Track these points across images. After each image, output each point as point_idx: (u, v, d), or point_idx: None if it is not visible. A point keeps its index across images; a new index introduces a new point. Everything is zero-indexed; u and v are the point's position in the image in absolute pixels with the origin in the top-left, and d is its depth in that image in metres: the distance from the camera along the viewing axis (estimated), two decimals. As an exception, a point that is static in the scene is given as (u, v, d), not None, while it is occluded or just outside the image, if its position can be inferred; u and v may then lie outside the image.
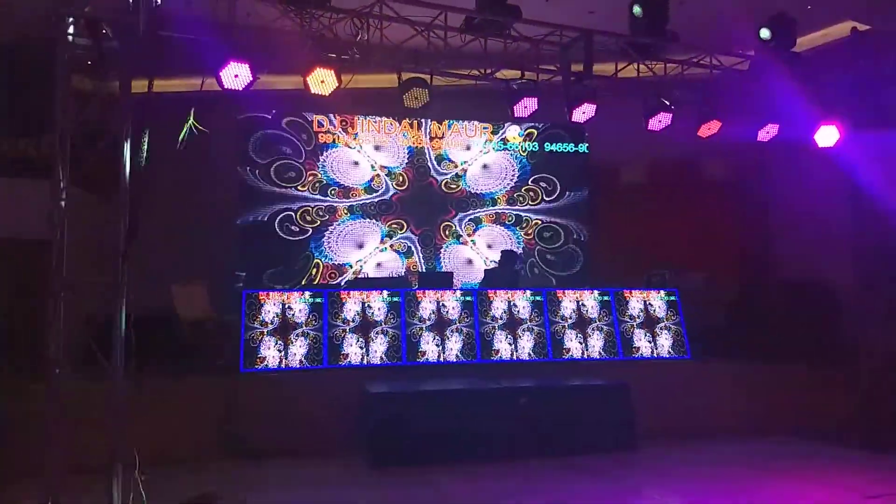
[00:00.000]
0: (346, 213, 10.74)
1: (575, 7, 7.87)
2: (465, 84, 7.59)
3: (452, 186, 11.16)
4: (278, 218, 10.39)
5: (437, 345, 7.69)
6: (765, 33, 7.22)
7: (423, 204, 11.02)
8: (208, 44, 5.79)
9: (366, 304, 7.67)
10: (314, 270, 10.46)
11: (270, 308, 7.39)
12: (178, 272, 8.55)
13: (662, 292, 8.61)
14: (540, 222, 11.40)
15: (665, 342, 8.32)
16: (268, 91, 8.11)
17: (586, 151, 11.52)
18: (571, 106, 7.40)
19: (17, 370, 5.82)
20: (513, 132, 11.40)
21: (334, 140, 10.78)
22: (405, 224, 10.93)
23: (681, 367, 8.18)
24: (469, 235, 11.16)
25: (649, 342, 8.27)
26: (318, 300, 7.57)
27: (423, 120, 11.02)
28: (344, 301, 7.64)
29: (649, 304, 8.48)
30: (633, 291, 8.52)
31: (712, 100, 7.83)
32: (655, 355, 8.24)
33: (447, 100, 7.69)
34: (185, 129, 6.98)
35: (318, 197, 10.62)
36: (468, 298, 8.02)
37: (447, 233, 11.08)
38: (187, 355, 7.40)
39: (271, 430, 6.75)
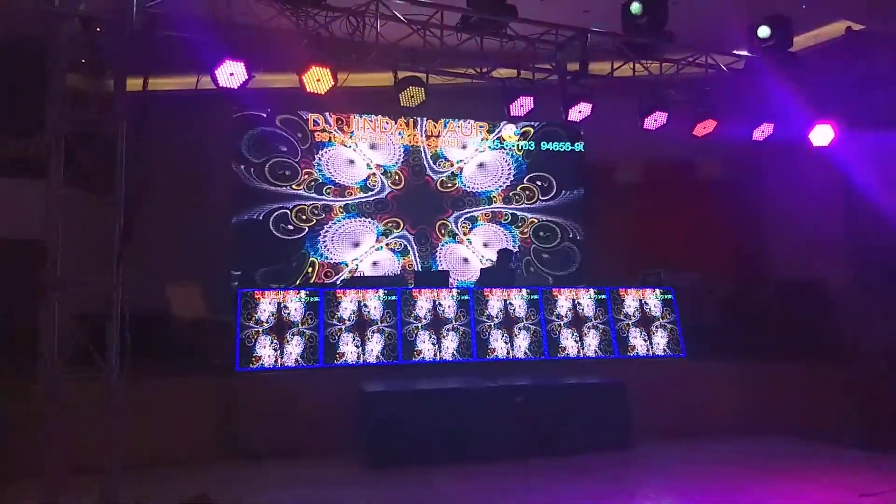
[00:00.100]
0: (342, 212, 10.72)
1: (570, 6, 7.87)
2: (462, 83, 7.59)
3: (448, 185, 11.16)
4: (273, 216, 10.37)
5: (433, 344, 7.69)
6: (764, 31, 7.23)
7: (419, 203, 11.01)
8: (204, 42, 5.77)
9: (362, 303, 7.66)
10: (310, 269, 10.45)
11: (266, 307, 7.37)
12: (174, 271, 8.54)
13: (658, 291, 8.62)
14: (536, 221, 11.41)
15: (661, 341, 8.34)
16: (263, 89, 8.10)
17: (582, 150, 11.53)
18: (567, 105, 7.41)
19: (17, 370, 5.81)
20: (508, 131, 11.40)
21: (330, 139, 10.76)
22: (401, 223, 10.92)
23: (676, 365, 8.19)
24: (465, 234, 11.16)
25: (645, 341, 8.29)
26: (314, 299, 7.56)
27: (418, 118, 11.01)
28: (340, 300, 7.63)
29: (645, 302, 8.49)
30: (628, 290, 8.54)
31: (707, 99, 7.85)
32: (651, 354, 8.26)
33: (443, 98, 7.69)
34: None
35: (314, 195, 10.60)
36: (464, 297, 8.02)
37: (443, 231, 11.07)
38: (183, 355, 7.40)
39: (267, 430, 6.74)
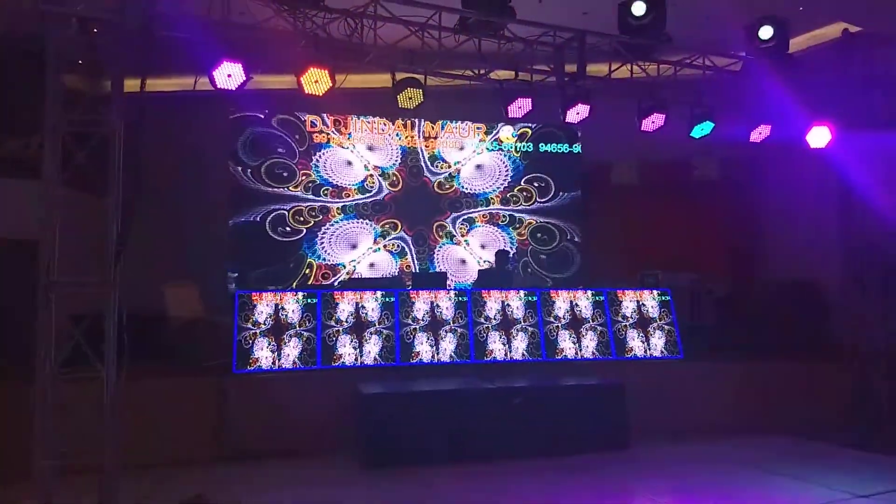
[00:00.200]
0: (340, 214, 10.72)
1: (568, 8, 7.89)
2: (460, 84, 7.59)
3: (446, 186, 11.16)
4: (270, 217, 10.36)
5: (430, 345, 7.68)
6: (766, 32, 7.23)
7: (417, 204, 11.01)
8: (201, 43, 5.76)
9: (359, 305, 7.65)
10: (307, 270, 10.43)
11: (263, 309, 7.36)
12: (171, 272, 8.53)
13: (655, 292, 8.63)
14: (534, 222, 11.41)
15: (658, 342, 8.34)
16: (260, 90, 8.08)
17: (580, 152, 11.53)
18: (565, 106, 7.41)
19: (14, 371, 5.79)
20: (506, 132, 11.40)
21: (328, 140, 10.75)
22: (398, 224, 10.91)
23: (674, 366, 8.20)
24: (463, 236, 11.16)
25: (642, 342, 8.29)
26: (312, 301, 7.54)
27: (416, 120, 11.01)
28: (337, 301, 7.62)
29: (642, 304, 8.50)
30: (626, 292, 8.54)
31: (705, 101, 7.86)
32: (648, 355, 8.26)
33: (441, 100, 7.70)
34: None
35: (311, 197, 10.59)
36: (462, 299, 8.02)
37: (441, 233, 11.07)
38: (179, 356, 7.38)
39: (265, 431, 6.74)
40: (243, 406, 6.80)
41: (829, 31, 9.03)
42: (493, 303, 8.05)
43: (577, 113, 7.44)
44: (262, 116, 10.42)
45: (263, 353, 7.18)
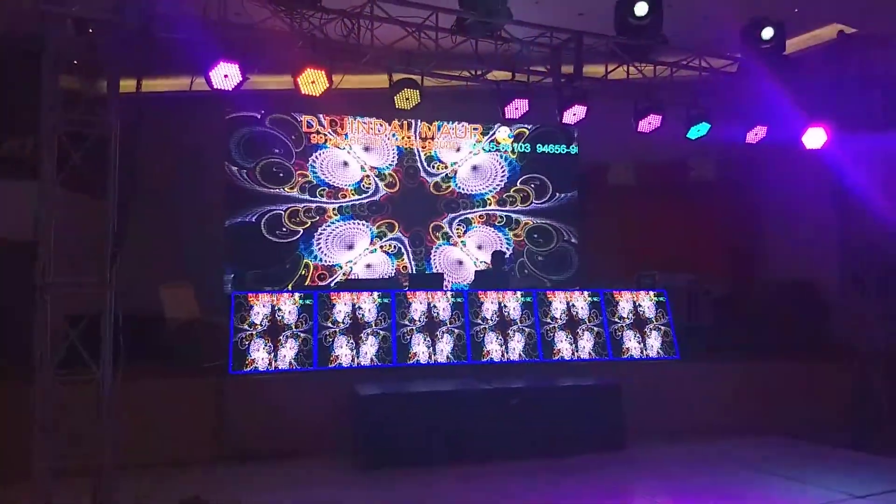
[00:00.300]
0: (336, 214, 10.71)
1: (565, 9, 7.89)
2: (456, 85, 7.59)
3: (443, 187, 11.16)
4: (265, 218, 10.34)
5: (427, 346, 7.68)
6: (767, 33, 7.24)
7: (414, 205, 11.01)
8: (198, 43, 5.74)
9: (356, 306, 7.64)
10: (304, 271, 10.42)
11: (259, 310, 7.34)
12: (167, 273, 8.51)
13: (652, 293, 8.64)
14: (530, 223, 11.42)
15: (654, 343, 8.35)
16: (257, 91, 8.08)
17: (576, 153, 11.55)
18: (562, 107, 7.41)
19: (11, 372, 5.77)
20: (502, 133, 11.41)
21: (324, 141, 10.75)
22: (395, 225, 10.91)
23: (670, 367, 8.21)
24: (459, 237, 11.16)
25: (639, 343, 8.30)
26: (308, 302, 7.53)
27: (413, 121, 11.01)
28: (334, 302, 7.61)
29: (639, 305, 8.51)
30: (622, 292, 8.55)
31: (701, 102, 7.87)
32: (645, 356, 8.27)
33: (438, 101, 7.69)
34: None
35: (307, 198, 10.58)
36: (459, 300, 8.02)
37: (437, 234, 11.07)
38: (175, 357, 7.37)
39: (262, 433, 6.72)
40: (240, 407, 6.79)
41: (824, 32, 9.07)
42: (489, 304, 8.05)
43: (574, 114, 7.44)
44: (259, 117, 10.41)
45: (260, 355, 7.16)
